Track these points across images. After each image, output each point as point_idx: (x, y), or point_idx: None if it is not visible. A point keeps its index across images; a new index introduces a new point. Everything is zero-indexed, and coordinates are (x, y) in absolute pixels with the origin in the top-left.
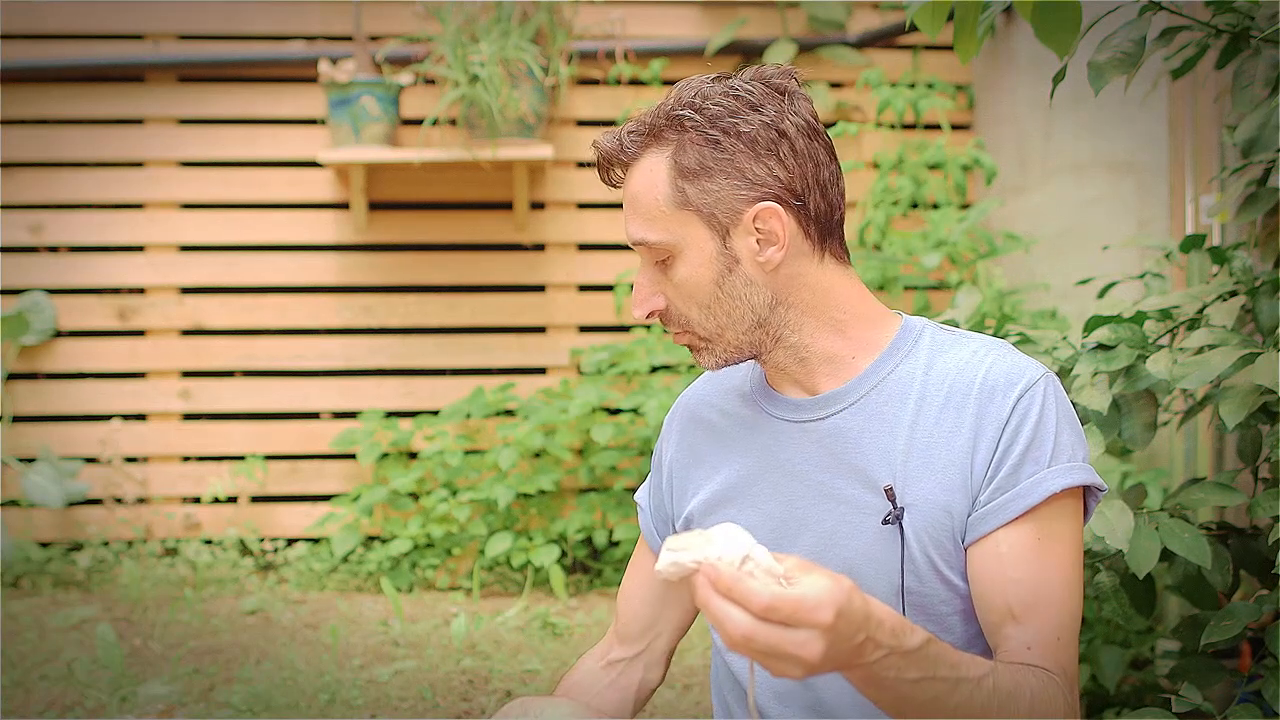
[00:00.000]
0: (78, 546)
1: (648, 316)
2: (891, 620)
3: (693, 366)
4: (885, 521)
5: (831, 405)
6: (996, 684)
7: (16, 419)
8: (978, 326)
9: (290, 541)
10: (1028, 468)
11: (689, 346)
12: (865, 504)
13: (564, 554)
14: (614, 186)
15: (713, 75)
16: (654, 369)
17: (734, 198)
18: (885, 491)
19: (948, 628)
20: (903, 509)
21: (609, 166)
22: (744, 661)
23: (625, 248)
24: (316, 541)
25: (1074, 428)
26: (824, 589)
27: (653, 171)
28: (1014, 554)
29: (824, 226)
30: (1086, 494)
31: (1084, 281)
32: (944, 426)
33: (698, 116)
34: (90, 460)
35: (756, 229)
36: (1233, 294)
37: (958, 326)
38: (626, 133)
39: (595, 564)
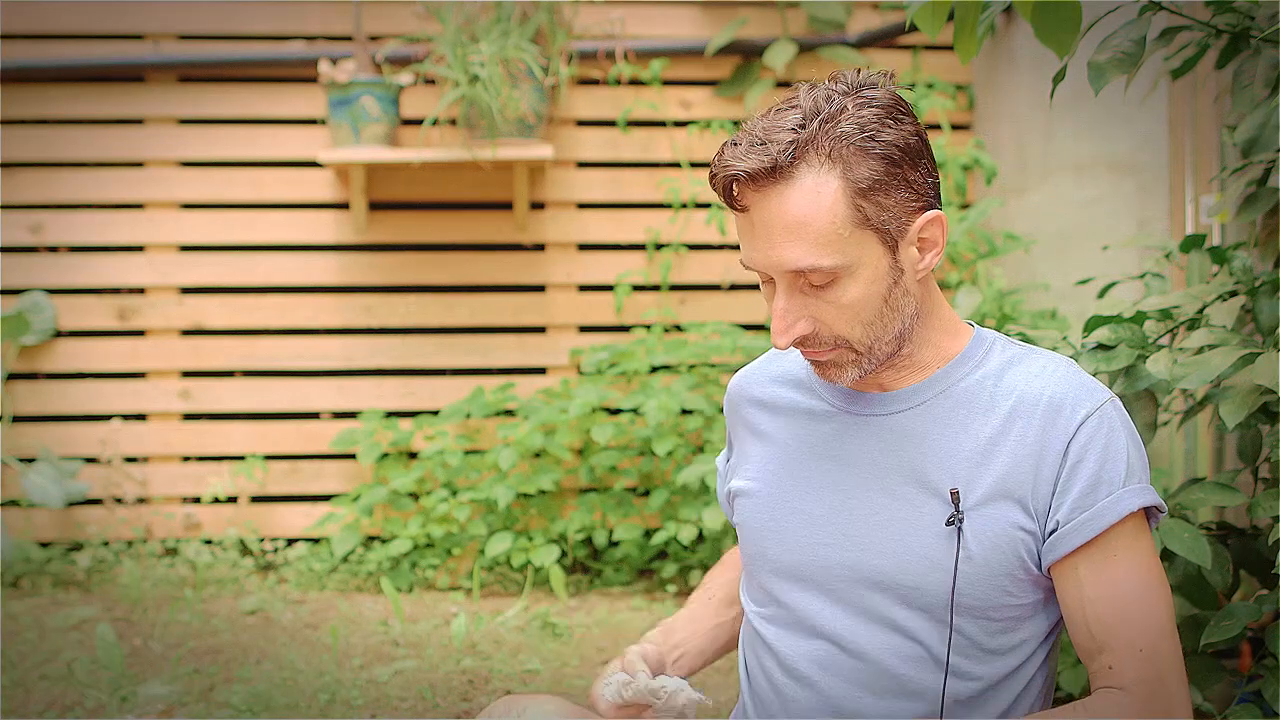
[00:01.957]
0: (78, 546)
1: (798, 338)
2: None
3: (693, 366)
4: (949, 523)
5: (900, 403)
6: None
7: (16, 419)
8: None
9: (290, 541)
10: (1104, 488)
11: (831, 362)
12: (923, 503)
13: (564, 554)
14: (739, 209)
15: (826, 83)
16: (654, 369)
17: (904, 210)
18: (951, 494)
19: (992, 633)
20: (964, 513)
21: (752, 185)
22: (774, 629)
23: (625, 248)
24: (316, 541)
25: (1140, 449)
26: None
27: (820, 193)
28: (1090, 575)
29: None
30: (1147, 514)
31: (1084, 281)
32: (1010, 436)
33: (857, 131)
34: (90, 460)
35: (920, 238)
36: (1233, 294)
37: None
38: (776, 151)
39: (595, 564)
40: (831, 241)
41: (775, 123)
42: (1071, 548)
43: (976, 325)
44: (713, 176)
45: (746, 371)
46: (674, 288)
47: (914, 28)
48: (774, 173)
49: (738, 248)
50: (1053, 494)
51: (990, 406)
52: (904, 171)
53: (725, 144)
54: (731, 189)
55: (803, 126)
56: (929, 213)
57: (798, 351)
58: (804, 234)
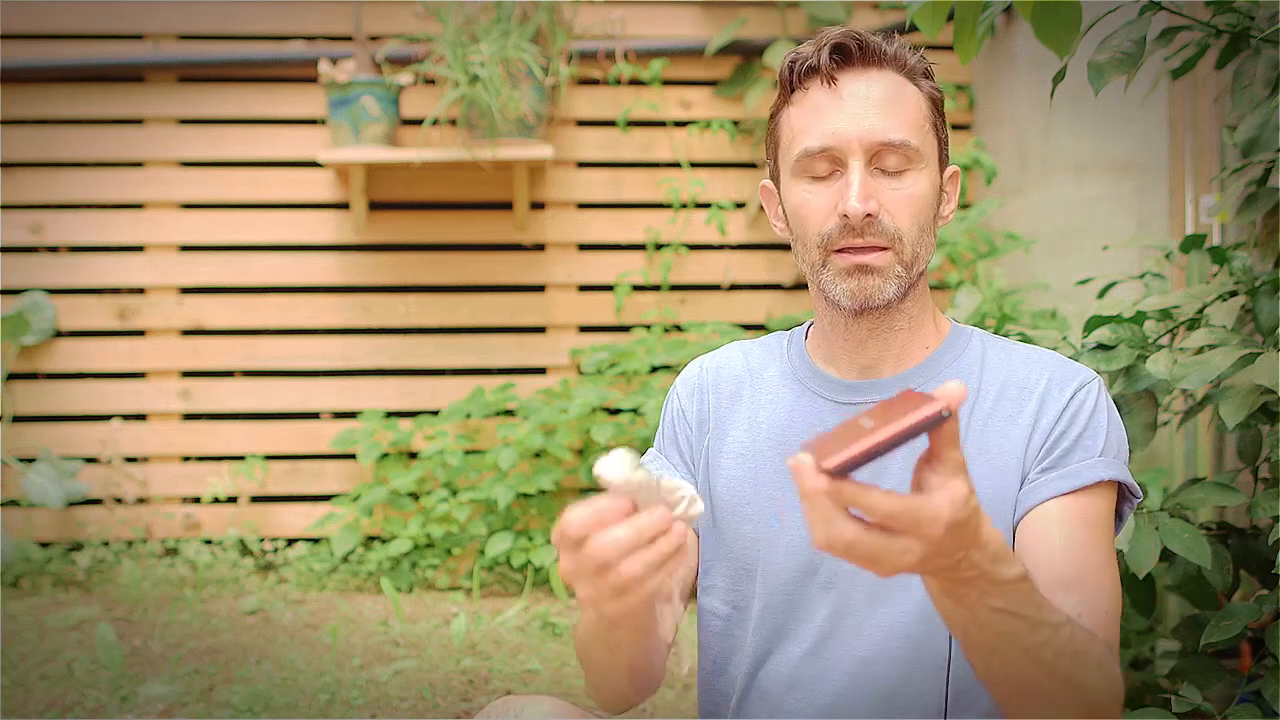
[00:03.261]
0: (78, 546)
1: (866, 218)
2: (995, 544)
3: None
4: None
5: (886, 390)
6: (1073, 635)
7: (16, 419)
8: (978, 326)
9: (290, 541)
10: (1078, 454)
11: (879, 270)
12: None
13: None
14: (828, 82)
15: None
16: (654, 369)
17: (945, 149)
18: None
19: None
20: None
21: (854, 57)
22: (758, 641)
23: (625, 248)
24: (316, 541)
25: (1120, 431)
26: (943, 505)
27: (905, 88)
28: (1062, 525)
29: None
30: (1122, 500)
31: (1084, 281)
32: (999, 416)
33: (922, 63)
34: (90, 460)
35: (944, 188)
36: (1233, 294)
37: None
38: (880, 38)
39: None
40: (919, 126)
41: (854, 30)
42: (1041, 499)
43: (950, 318)
44: (795, 59)
45: (715, 359)
46: (674, 288)
47: (914, 28)
48: (878, 53)
49: (738, 248)
50: (1039, 458)
51: (979, 390)
52: (943, 115)
53: (814, 39)
54: (833, 57)
55: (888, 44)
56: (952, 165)
57: (780, 350)
58: (898, 110)
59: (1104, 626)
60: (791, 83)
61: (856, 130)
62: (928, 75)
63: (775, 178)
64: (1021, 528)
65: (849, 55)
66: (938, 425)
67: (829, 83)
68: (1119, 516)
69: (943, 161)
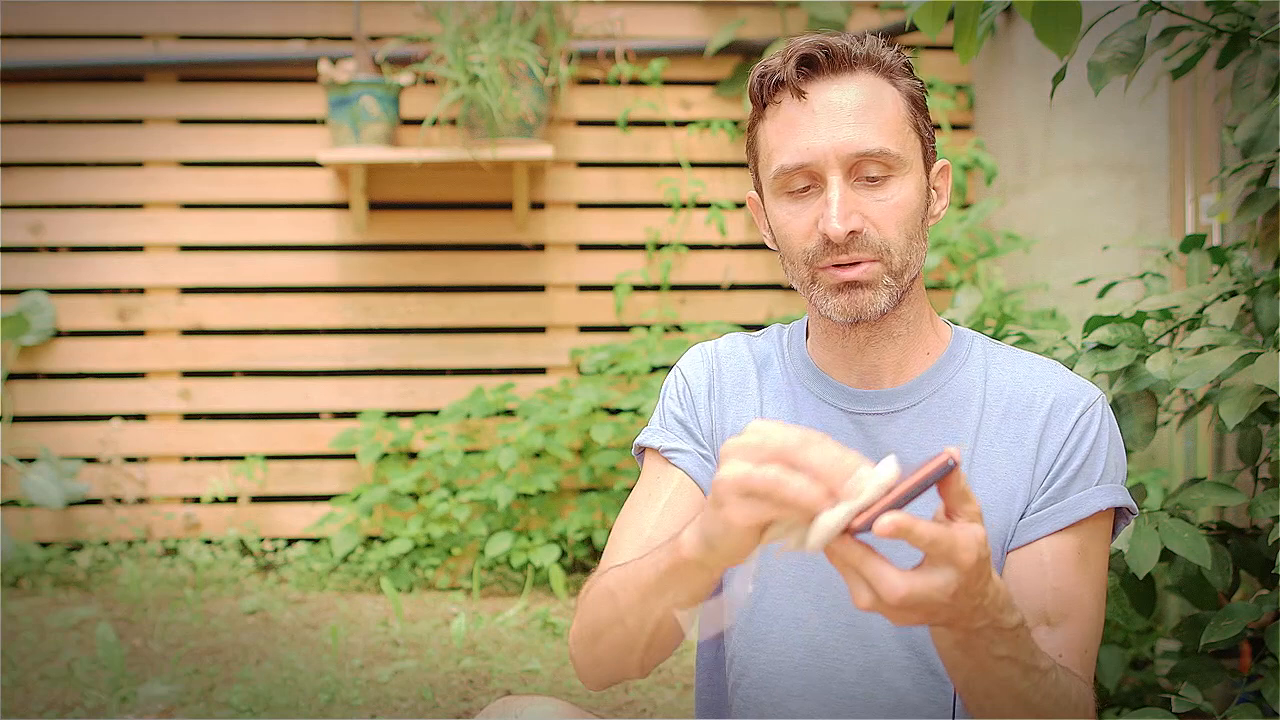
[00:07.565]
0: (78, 546)
1: (849, 235)
2: (1003, 593)
3: None
4: None
5: (893, 402)
6: (1057, 680)
7: (16, 419)
8: (978, 326)
9: (290, 541)
10: (1079, 483)
11: (867, 283)
12: (926, 507)
13: (564, 554)
14: (797, 95)
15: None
16: (654, 369)
17: (931, 141)
18: None
19: None
20: None
21: (824, 68)
22: (759, 653)
23: (625, 248)
24: (316, 541)
25: (1120, 449)
26: (970, 537)
27: (882, 90)
28: (1055, 563)
29: None
30: (1118, 517)
31: (1084, 281)
32: (1005, 437)
33: (903, 65)
34: (90, 460)
35: (934, 185)
36: (1233, 294)
37: (958, 325)
38: (849, 42)
39: (595, 564)
40: (897, 130)
41: (827, 36)
42: (1037, 535)
43: (948, 321)
44: (764, 73)
45: (720, 346)
46: (674, 288)
47: (914, 28)
48: (848, 58)
49: (738, 248)
50: (1042, 487)
51: (984, 407)
52: (926, 110)
53: (783, 49)
54: (800, 69)
55: (859, 46)
56: (941, 160)
57: (780, 347)
58: (874, 118)
59: (1081, 663)
60: (762, 97)
61: (831, 143)
62: (907, 71)
63: (759, 190)
64: (1015, 558)
65: (816, 65)
66: (945, 475)
67: (798, 95)
68: (1114, 532)
69: (928, 159)
